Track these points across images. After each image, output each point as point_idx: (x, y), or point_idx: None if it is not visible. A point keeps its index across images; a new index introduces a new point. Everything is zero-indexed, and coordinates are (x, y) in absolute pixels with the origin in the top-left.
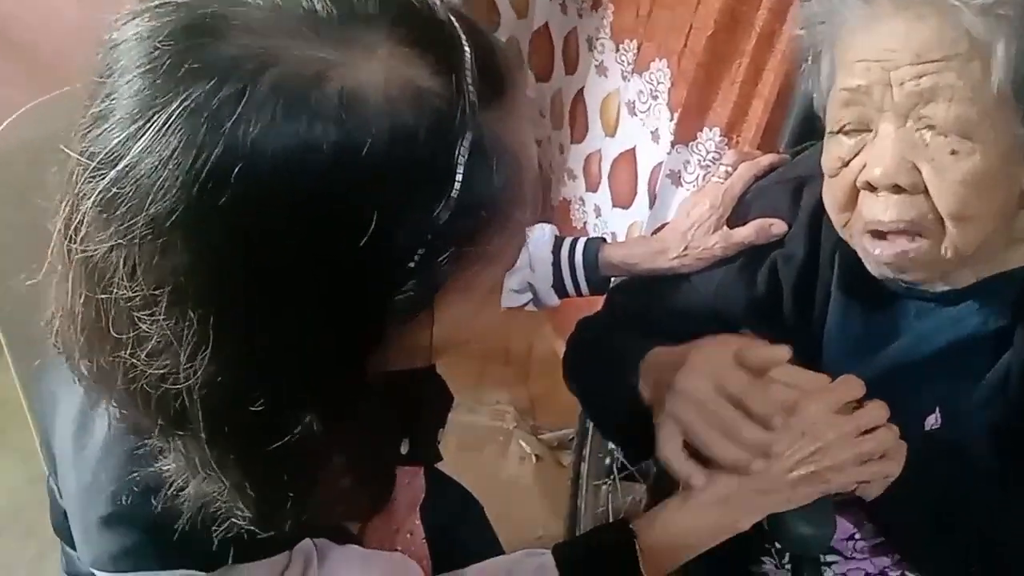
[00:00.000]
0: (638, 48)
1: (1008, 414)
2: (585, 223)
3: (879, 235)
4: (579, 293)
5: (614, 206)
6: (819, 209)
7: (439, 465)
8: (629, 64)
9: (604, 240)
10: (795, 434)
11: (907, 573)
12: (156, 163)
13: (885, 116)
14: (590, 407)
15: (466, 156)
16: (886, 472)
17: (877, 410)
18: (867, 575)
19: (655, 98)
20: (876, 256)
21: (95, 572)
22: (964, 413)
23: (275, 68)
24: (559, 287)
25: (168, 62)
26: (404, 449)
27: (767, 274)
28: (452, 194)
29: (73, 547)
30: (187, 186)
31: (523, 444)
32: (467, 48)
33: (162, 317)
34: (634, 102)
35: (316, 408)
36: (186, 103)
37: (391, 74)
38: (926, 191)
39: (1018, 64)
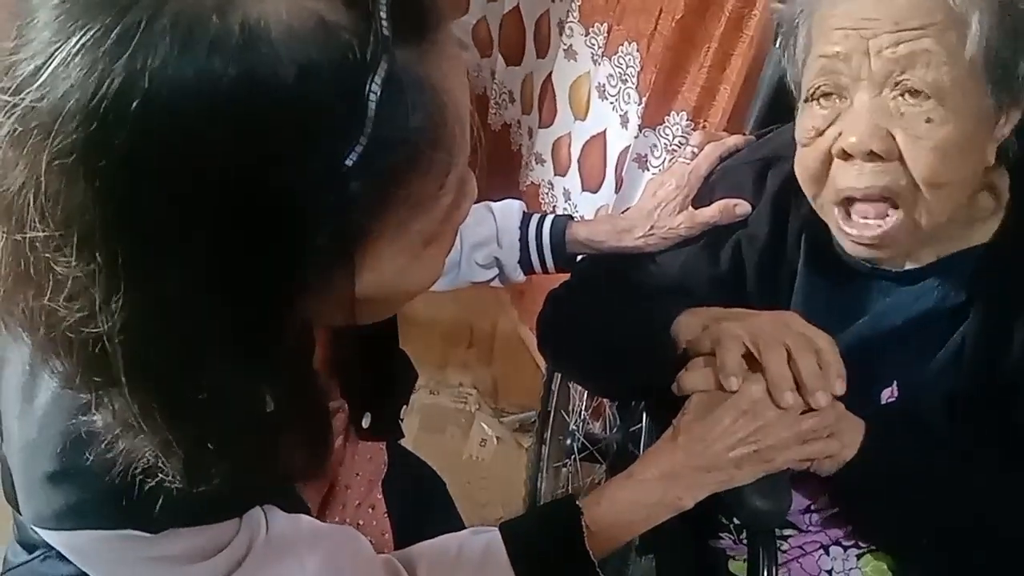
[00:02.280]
0: (608, 31)
1: (962, 384)
2: (554, 207)
3: (848, 211)
4: (545, 270)
5: (583, 190)
6: (785, 189)
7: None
8: (599, 48)
9: (571, 217)
10: (737, 412)
11: (860, 543)
12: (59, 95)
13: (861, 85)
14: (596, 369)
15: (378, 92)
16: (829, 451)
17: None
18: (821, 546)
19: (624, 82)
20: (853, 237)
21: (38, 531)
22: (920, 385)
23: (175, 1)
24: (525, 263)
25: None
26: (366, 423)
27: (731, 253)
28: (364, 131)
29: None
30: (87, 118)
31: (484, 426)
32: None
33: (73, 259)
34: (604, 86)
35: (236, 358)
36: (88, 35)
37: (295, 6)
38: (900, 159)
39: (991, 36)
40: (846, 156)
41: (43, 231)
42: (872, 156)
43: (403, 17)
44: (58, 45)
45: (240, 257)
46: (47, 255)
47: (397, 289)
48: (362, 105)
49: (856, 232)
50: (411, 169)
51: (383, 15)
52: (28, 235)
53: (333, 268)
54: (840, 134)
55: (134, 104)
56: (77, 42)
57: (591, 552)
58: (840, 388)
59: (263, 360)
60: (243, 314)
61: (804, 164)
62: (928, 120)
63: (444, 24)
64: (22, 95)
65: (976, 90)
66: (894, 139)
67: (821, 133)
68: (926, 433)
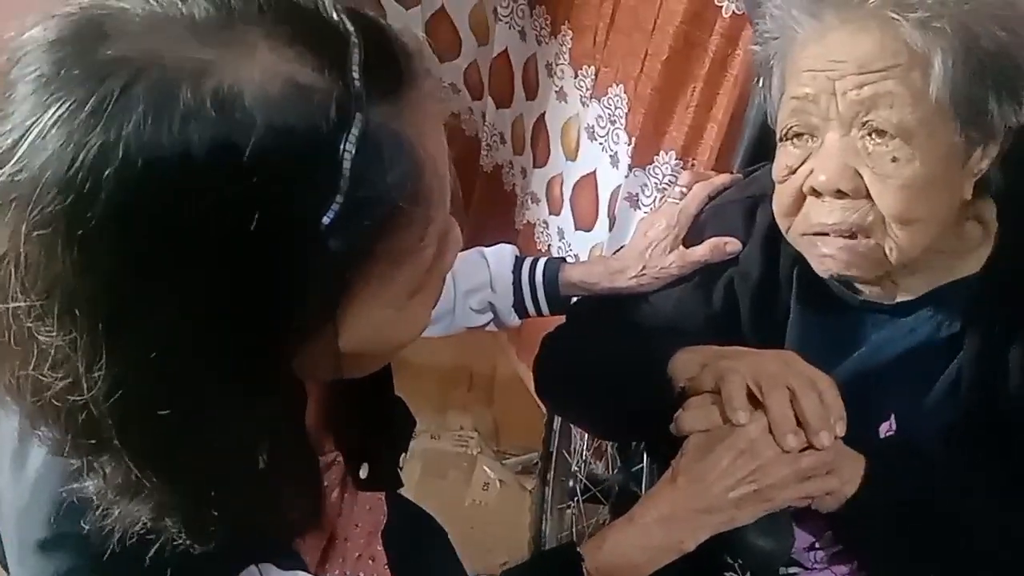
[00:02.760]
0: (596, 74)
1: (961, 414)
2: (549, 246)
3: (821, 236)
4: (540, 313)
5: (576, 228)
6: (775, 227)
7: (403, 492)
8: (587, 89)
9: (564, 260)
10: (735, 453)
11: None
12: (36, 167)
13: (831, 124)
14: (593, 411)
15: (353, 151)
16: (828, 488)
17: None
18: None
19: (613, 123)
20: (822, 253)
21: None
22: (918, 418)
23: (151, 71)
24: (519, 307)
25: (52, 68)
26: (363, 474)
27: (723, 291)
28: (340, 190)
29: None
30: (64, 189)
31: (487, 470)
32: (356, 42)
33: (55, 328)
34: (593, 127)
35: (225, 417)
36: (63, 107)
37: (268, 71)
38: (868, 195)
39: (955, 75)
40: (816, 193)
41: (25, 301)
42: (840, 194)
43: (377, 75)
44: (36, 118)
45: (221, 320)
46: (29, 325)
47: (384, 341)
48: (337, 164)
49: (826, 250)
50: (390, 225)
51: (355, 74)
52: (10, 306)
53: (317, 324)
54: (811, 172)
55: (109, 174)
56: (53, 114)
57: None
58: (841, 429)
59: (253, 417)
60: (228, 375)
61: (779, 200)
62: (894, 160)
63: (419, 80)
64: (2, 169)
65: (944, 128)
66: (861, 178)
67: (794, 171)
68: (926, 465)
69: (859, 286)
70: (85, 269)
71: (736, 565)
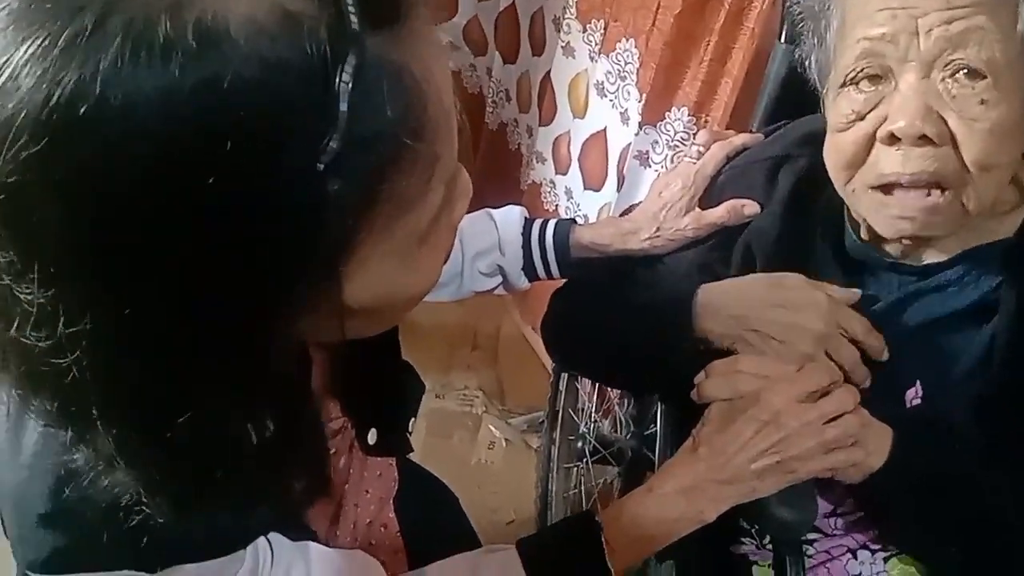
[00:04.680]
0: (605, 28)
1: (992, 385)
2: (556, 206)
3: (890, 191)
4: (550, 276)
5: (585, 188)
6: (798, 189)
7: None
8: (596, 44)
9: (574, 222)
10: (759, 424)
11: (887, 547)
12: (10, 107)
13: (908, 66)
14: (606, 361)
15: (349, 84)
16: (853, 459)
17: (843, 397)
18: (849, 551)
19: (623, 79)
20: (894, 215)
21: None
22: (946, 387)
23: (128, 1)
24: (529, 270)
25: (22, 2)
26: (372, 440)
27: (741, 254)
28: (337, 127)
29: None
30: (38, 132)
31: (492, 429)
32: None
33: (36, 285)
34: (603, 83)
35: (217, 383)
36: (36, 44)
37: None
38: (951, 142)
39: None
40: (892, 141)
41: (3, 257)
42: (923, 140)
43: (373, 2)
44: (7, 57)
45: (211, 272)
46: (9, 282)
47: (392, 296)
48: (333, 98)
49: (898, 211)
50: (393, 164)
51: (350, 1)
52: None
53: (319, 276)
54: (886, 118)
55: (86, 114)
56: (25, 52)
57: (612, 569)
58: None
59: (249, 384)
60: (221, 335)
61: (840, 149)
62: (982, 102)
63: (419, 8)
64: None
65: None
66: (945, 122)
67: (862, 117)
68: (955, 438)
69: (888, 248)
70: (63, 218)
71: (753, 530)
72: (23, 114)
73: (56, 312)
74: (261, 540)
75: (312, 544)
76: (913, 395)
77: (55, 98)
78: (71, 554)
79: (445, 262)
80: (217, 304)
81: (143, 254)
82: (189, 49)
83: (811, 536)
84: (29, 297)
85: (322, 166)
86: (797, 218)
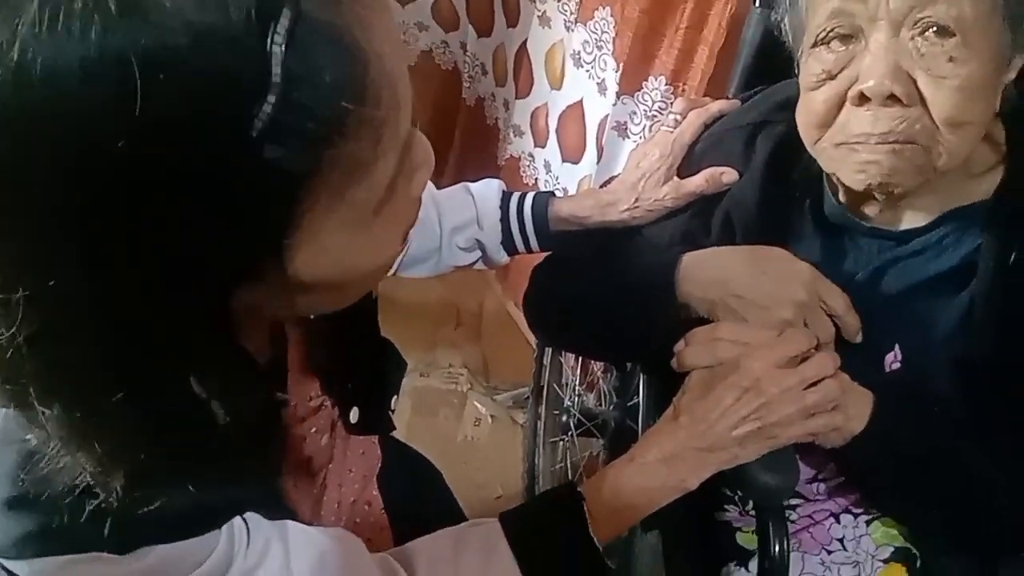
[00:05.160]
0: None
1: (971, 349)
2: (536, 179)
3: (857, 147)
4: (529, 249)
5: (564, 161)
6: (777, 155)
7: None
8: (572, 13)
9: (553, 194)
10: (739, 390)
11: (870, 510)
12: None
13: (878, 25)
14: (588, 333)
15: (282, 47)
16: (834, 424)
17: (822, 362)
18: (831, 515)
19: (600, 48)
20: (862, 160)
21: (5, 564)
22: (925, 351)
23: None
24: (508, 244)
25: None
26: (354, 418)
27: (721, 221)
28: (271, 91)
29: None
30: None
31: (478, 405)
32: None
33: None
34: (579, 53)
35: (159, 359)
36: None
37: None
38: (920, 101)
39: None
40: (862, 100)
41: None
42: (891, 100)
43: None
44: None
45: (147, 242)
46: None
47: (348, 268)
48: (265, 61)
49: (869, 156)
50: (334, 128)
51: None
52: None
53: (262, 246)
54: (856, 78)
55: (4, 79)
56: None
57: (596, 539)
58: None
59: (193, 359)
60: (159, 308)
61: (810, 109)
62: (951, 59)
63: None
64: None
65: (995, 27)
66: (915, 81)
67: (833, 76)
68: (935, 403)
69: (866, 210)
70: (3, 185)
71: (736, 497)
72: None
73: None
74: (237, 520)
75: (290, 523)
76: (892, 360)
77: None
78: (39, 537)
79: (406, 236)
80: (155, 275)
81: (75, 220)
82: (109, 14)
83: (793, 501)
84: None
85: (257, 130)
86: (775, 184)
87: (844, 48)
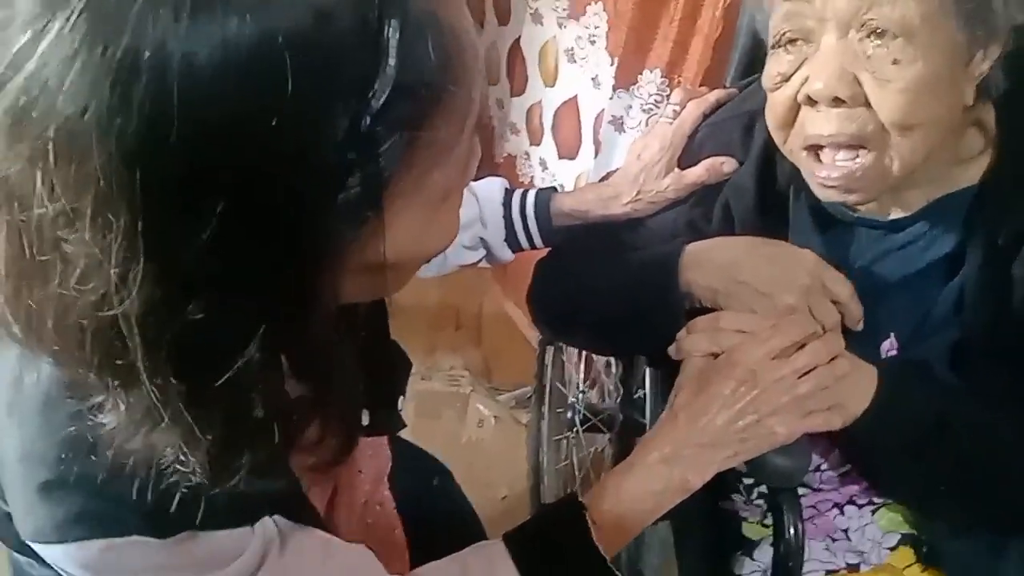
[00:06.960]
0: None
1: (966, 331)
2: (532, 178)
3: (818, 154)
4: (532, 245)
5: (560, 158)
6: (772, 142)
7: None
8: (564, 10)
9: (555, 190)
10: (735, 382)
11: (874, 499)
12: (62, 61)
13: (827, 27)
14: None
15: (397, 34)
16: (830, 424)
17: (815, 350)
18: (836, 505)
19: (593, 43)
20: (821, 179)
21: (37, 547)
22: (920, 338)
23: None
24: (512, 241)
25: None
26: (365, 420)
27: (721, 210)
28: (386, 74)
29: (18, 550)
30: (97, 81)
31: (481, 407)
32: None
33: (87, 232)
34: (572, 49)
35: (263, 334)
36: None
37: None
38: (867, 103)
39: None
40: (812, 102)
41: (51, 206)
42: (838, 101)
43: None
44: (56, 8)
45: (266, 217)
46: (57, 233)
47: (415, 252)
48: (383, 48)
49: (825, 174)
50: (435, 110)
51: None
52: (35, 213)
53: (362, 224)
54: (806, 79)
55: (143, 63)
56: (76, 5)
57: (602, 548)
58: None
59: (294, 336)
60: (270, 283)
61: (772, 111)
62: (895, 61)
63: None
64: (18, 65)
65: (946, 26)
66: (860, 84)
67: (787, 79)
68: (937, 383)
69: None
70: (123, 164)
71: (741, 486)
72: (80, 63)
73: (106, 260)
74: (267, 520)
75: (316, 530)
76: (888, 347)
77: (111, 48)
78: (81, 520)
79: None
80: (266, 247)
81: (197, 196)
82: (249, 2)
83: (799, 491)
84: (76, 248)
85: (372, 112)
86: (772, 173)
87: (797, 50)
